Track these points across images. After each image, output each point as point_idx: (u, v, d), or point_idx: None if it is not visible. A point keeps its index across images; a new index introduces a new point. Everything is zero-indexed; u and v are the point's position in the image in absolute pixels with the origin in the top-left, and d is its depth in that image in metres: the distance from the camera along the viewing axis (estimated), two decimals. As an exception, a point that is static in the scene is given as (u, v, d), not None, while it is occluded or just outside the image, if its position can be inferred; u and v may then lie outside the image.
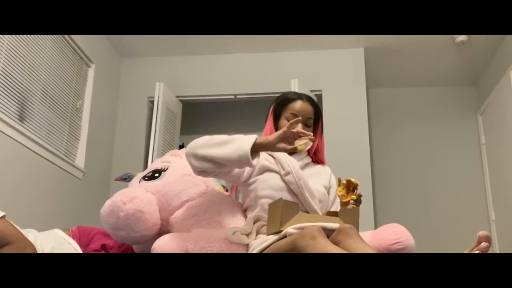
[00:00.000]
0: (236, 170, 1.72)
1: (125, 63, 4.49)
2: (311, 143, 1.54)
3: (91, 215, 3.48)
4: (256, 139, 1.56)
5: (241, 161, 1.54)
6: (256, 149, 1.56)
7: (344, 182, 1.72)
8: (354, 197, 1.66)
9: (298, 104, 1.88)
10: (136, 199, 1.70)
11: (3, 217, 1.65)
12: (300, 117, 1.76)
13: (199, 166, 1.61)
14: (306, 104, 1.89)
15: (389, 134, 4.85)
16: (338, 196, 1.71)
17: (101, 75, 4.05)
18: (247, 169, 1.77)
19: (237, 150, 1.53)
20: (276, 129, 1.89)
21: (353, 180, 1.69)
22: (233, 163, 1.57)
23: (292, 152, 1.62)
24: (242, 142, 1.55)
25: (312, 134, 1.57)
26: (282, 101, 1.92)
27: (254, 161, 1.54)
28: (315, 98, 2.38)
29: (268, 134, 1.88)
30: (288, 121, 1.83)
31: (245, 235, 1.64)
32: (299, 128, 1.78)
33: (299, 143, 1.57)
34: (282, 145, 1.54)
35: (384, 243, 1.64)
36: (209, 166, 1.59)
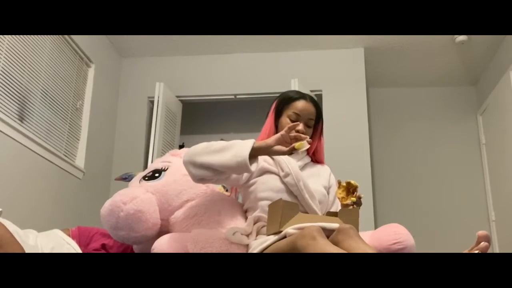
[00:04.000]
0: (235, 175, 1.70)
1: (125, 63, 4.49)
2: (309, 145, 1.53)
3: (91, 215, 3.48)
4: (253, 144, 1.54)
5: (240, 168, 1.53)
6: (254, 154, 1.54)
7: (344, 184, 1.72)
8: (353, 199, 1.66)
9: (301, 104, 1.86)
10: (136, 199, 1.70)
11: None
12: (298, 122, 1.75)
13: (197, 174, 1.59)
14: (309, 105, 1.87)
15: (389, 134, 4.85)
16: (338, 198, 1.72)
17: (101, 75, 4.05)
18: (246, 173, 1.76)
19: (235, 157, 1.51)
20: (276, 127, 1.88)
21: (352, 182, 1.69)
22: (231, 170, 1.55)
23: (291, 152, 1.62)
24: (239, 148, 1.53)
25: (309, 137, 1.55)
26: (285, 99, 1.90)
27: (253, 167, 1.53)
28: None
29: (268, 131, 1.87)
30: (290, 119, 1.83)
31: (245, 235, 1.64)
32: (300, 127, 1.78)
33: (297, 143, 1.55)
34: (280, 147, 1.53)
35: (384, 243, 1.64)
36: (208, 173, 1.58)
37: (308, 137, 1.54)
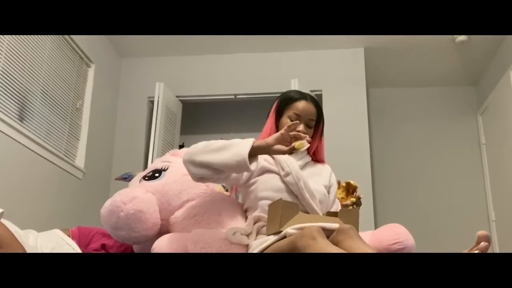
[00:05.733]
0: (235, 175, 1.70)
1: (125, 63, 4.49)
2: (308, 145, 1.53)
3: (91, 215, 3.48)
4: (253, 143, 1.54)
5: (239, 167, 1.52)
6: (253, 153, 1.54)
7: (344, 184, 1.72)
8: (353, 199, 1.66)
9: (302, 104, 1.85)
10: (136, 199, 1.70)
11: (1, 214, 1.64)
12: (298, 121, 1.75)
13: (197, 173, 1.59)
14: (310, 105, 1.86)
15: (389, 134, 4.85)
16: (338, 198, 1.71)
17: (101, 75, 4.05)
18: (246, 172, 1.76)
19: (235, 156, 1.51)
20: (277, 127, 1.88)
21: (352, 182, 1.69)
22: (231, 169, 1.55)
23: (291, 152, 1.61)
24: (239, 147, 1.53)
25: (308, 136, 1.55)
26: (286, 99, 1.89)
27: (252, 166, 1.53)
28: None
29: (269, 131, 1.87)
30: (291, 120, 1.82)
31: (245, 235, 1.64)
32: (300, 128, 1.78)
33: (297, 143, 1.55)
34: (280, 147, 1.53)
35: (384, 243, 1.64)
36: (207, 172, 1.58)
37: (308, 136, 1.54)
